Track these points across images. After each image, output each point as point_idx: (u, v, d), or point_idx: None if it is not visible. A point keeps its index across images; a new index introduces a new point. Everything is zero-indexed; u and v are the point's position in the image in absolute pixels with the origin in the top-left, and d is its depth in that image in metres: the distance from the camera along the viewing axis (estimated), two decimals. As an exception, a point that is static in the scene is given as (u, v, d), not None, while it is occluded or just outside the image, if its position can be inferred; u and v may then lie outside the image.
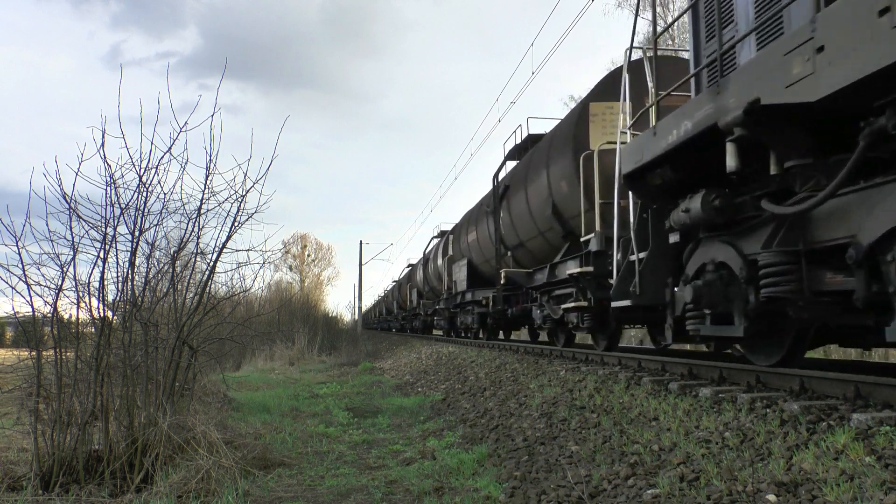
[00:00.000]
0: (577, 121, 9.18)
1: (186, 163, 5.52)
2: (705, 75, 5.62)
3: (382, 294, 51.20)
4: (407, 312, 32.13)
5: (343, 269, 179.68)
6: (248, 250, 6.12)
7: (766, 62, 3.90)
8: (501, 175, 14.27)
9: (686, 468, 3.85)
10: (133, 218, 5.36)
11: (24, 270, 4.98)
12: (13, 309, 5.08)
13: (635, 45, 6.90)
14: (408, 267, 34.61)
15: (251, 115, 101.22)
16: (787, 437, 3.79)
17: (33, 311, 5.10)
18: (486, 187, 18.64)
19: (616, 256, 6.91)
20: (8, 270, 4.97)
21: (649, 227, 6.30)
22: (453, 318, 19.74)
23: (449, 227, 22.38)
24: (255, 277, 14.00)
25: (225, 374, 10.45)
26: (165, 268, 6.03)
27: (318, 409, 9.35)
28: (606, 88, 9.20)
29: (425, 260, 25.83)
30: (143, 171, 5.32)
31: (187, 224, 5.77)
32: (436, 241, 24.95)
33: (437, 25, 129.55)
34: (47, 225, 5.06)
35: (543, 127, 13.77)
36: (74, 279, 5.16)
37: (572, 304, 9.11)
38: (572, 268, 9.30)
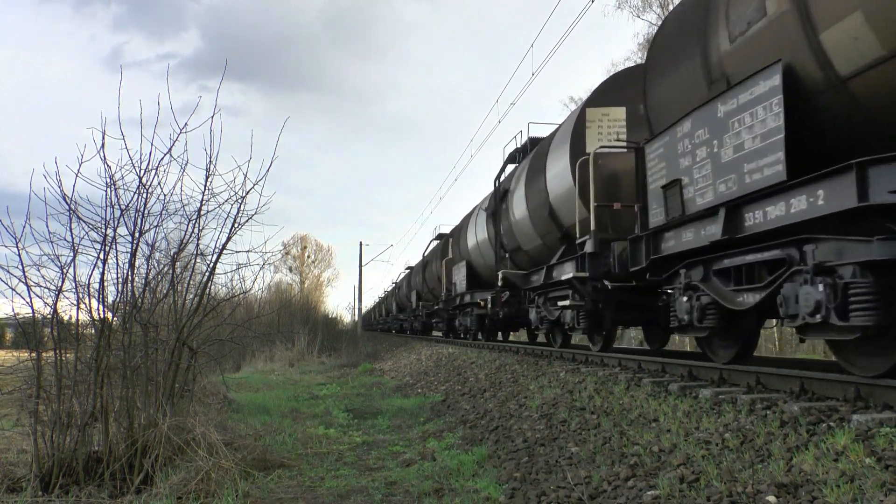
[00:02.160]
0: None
1: (186, 164, 5.53)
2: None
3: (391, 286, 42.01)
4: (441, 304, 20.63)
5: (343, 271, 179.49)
6: (247, 251, 6.13)
7: None
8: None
9: (686, 469, 3.85)
10: (133, 219, 5.37)
11: (23, 272, 4.99)
12: (13, 310, 5.09)
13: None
14: (436, 238, 24.16)
15: (252, 117, 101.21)
16: (787, 438, 3.78)
17: (33, 313, 5.10)
18: (487, 189, 16.66)
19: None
20: (8, 272, 4.97)
21: None
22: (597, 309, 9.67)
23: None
24: (255, 279, 13.99)
25: (225, 376, 10.45)
26: (165, 269, 6.03)
27: (318, 410, 9.35)
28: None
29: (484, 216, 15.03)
30: (143, 172, 5.33)
31: (187, 225, 5.77)
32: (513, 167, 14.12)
33: (438, 27, 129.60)
34: (47, 226, 5.06)
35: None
36: (74, 280, 5.17)
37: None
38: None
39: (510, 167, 14.14)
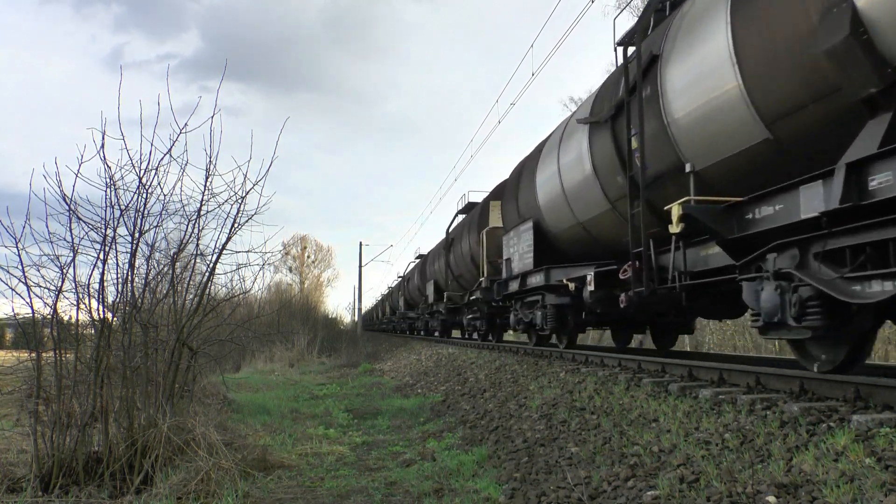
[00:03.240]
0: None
1: (186, 164, 5.54)
2: None
3: (396, 280, 35.38)
4: (480, 293, 14.53)
5: (343, 271, 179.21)
6: (247, 251, 6.13)
7: None
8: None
9: (686, 469, 3.85)
10: (133, 219, 5.38)
11: (23, 272, 4.99)
12: (13, 310, 5.09)
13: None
14: (463, 211, 18.87)
15: (252, 118, 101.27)
16: (787, 438, 3.78)
17: (33, 313, 5.10)
18: (486, 190, 17.40)
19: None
20: (8, 272, 4.97)
21: None
22: None
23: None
24: (255, 279, 14.00)
25: (225, 376, 10.45)
26: (165, 269, 6.03)
27: (318, 410, 9.35)
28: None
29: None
30: (142, 172, 5.33)
31: (187, 225, 5.78)
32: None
33: (438, 27, 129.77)
34: (47, 226, 5.07)
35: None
36: (74, 281, 5.17)
37: None
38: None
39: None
